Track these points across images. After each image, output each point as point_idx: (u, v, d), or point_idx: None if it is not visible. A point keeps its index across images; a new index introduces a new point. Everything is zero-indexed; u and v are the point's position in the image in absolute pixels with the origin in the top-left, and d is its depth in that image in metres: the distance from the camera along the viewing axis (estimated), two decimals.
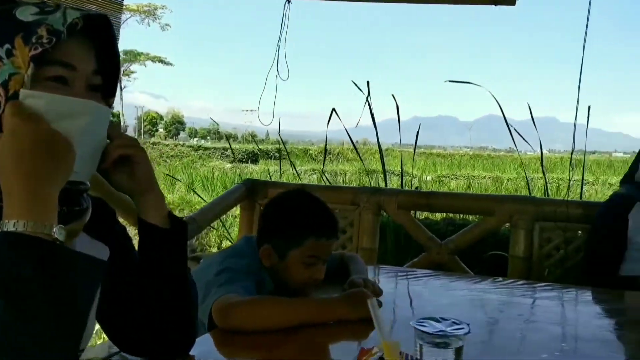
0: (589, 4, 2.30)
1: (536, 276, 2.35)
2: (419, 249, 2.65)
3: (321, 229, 1.29)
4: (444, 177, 10.41)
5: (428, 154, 22.20)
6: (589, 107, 2.88)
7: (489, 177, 10.13)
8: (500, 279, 1.71)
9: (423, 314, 1.24)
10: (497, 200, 2.47)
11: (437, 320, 0.82)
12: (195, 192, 6.55)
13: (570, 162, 3.18)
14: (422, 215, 3.44)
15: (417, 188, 3.73)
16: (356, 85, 3.14)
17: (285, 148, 4.89)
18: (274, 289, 1.33)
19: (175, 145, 21.80)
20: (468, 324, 0.80)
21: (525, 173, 3.91)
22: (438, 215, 3.51)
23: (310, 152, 18.61)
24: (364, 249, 2.62)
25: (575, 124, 2.72)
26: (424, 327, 0.80)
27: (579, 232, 2.32)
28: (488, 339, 1.09)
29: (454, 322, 0.81)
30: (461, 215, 3.38)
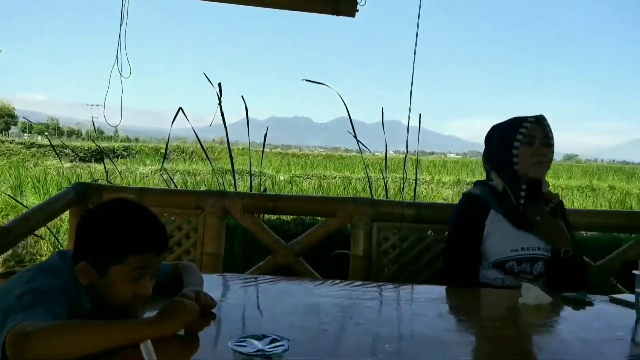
0: (418, 20, 2.50)
1: (375, 273, 2.48)
2: (267, 251, 2.64)
3: (146, 244, 1.18)
4: (298, 177, 10.66)
5: (284, 154, 22.60)
6: (420, 115, 3.15)
7: (339, 177, 10.61)
8: (339, 281, 1.75)
9: (257, 325, 1.22)
10: (339, 202, 2.54)
11: (258, 338, 0.78)
12: (15, 199, 5.79)
13: (404, 163, 3.42)
14: (274, 215, 3.44)
15: (264, 190, 3.72)
16: (208, 79, 3.02)
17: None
18: (92, 310, 1.20)
19: (2, 142, 19.26)
20: (289, 340, 0.78)
21: (368, 174, 4.14)
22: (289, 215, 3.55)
23: (162, 150, 17.78)
24: (209, 254, 2.53)
25: (408, 128, 2.96)
26: (242, 347, 0.75)
27: (412, 230, 2.48)
28: (316, 348, 1.09)
29: (274, 339, 0.78)
30: None
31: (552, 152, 1.91)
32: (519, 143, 1.87)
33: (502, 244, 1.88)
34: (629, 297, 1.54)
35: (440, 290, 1.75)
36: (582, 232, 3.30)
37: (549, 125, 1.90)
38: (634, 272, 1.45)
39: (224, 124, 3.24)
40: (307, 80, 3.52)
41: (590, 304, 1.57)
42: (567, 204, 8.45)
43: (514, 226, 1.88)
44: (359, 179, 10.17)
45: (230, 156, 3.37)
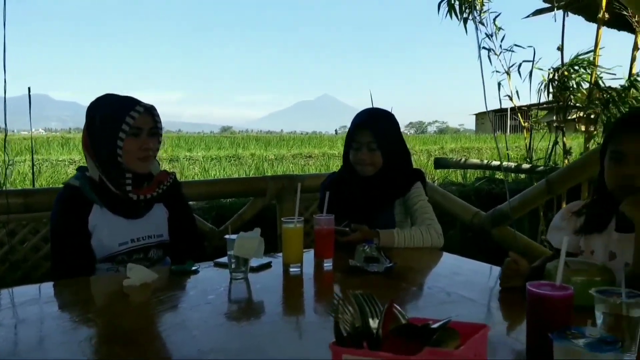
0: None
1: None
2: None
3: None
4: None
5: None
6: (29, 88, 2.76)
7: None
8: None
9: None
10: None
11: None
12: None
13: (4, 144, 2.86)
14: None
15: None
16: None
17: None
18: None
19: None
20: None
21: None
22: None
23: None
24: None
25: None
26: None
27: (23, 221, 2.17)
28: None
29: None
30: None
31: (160, 141, 1.85)
32: (124, 134, 1.71)
33: (109, 239, 1.76)
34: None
35: (46, 288, 1.56)
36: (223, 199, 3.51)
37: (158, 115, 1.81)
38: (225, 237, 1.59)
39: None
40: None
41: (196, 272, 1.66)
42: (216, 173, 9.11)
43: (122, 217, 1.79)
44: None
45: None
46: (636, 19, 3.64)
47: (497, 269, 1.69)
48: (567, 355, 0.76)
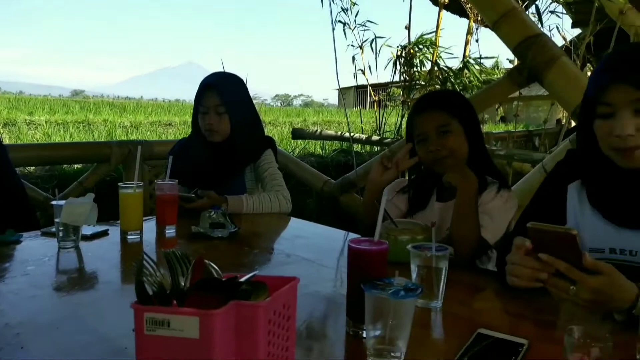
0: None
1: None
2: None
3: None
4: None
5: None
6: None
7: None
8: None
9: None
10: None
11: None
12: None
13: None
14: None
15: None
16: None
17: None
18: None
19: None
20: None
21: None
22: None
23: None
24: None
25: None
26: None
27: None
28: None
29: None
30: None
31: None
32: None
33: None
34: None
35: None
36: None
37: None
38: (52, 202, 1.46)
39: None
40: None
41: (18, 242, 1.51)
42: (61, 140, 8.30)
43: None
44: None
45: None
46: (469, 6, 4.01)
47: (339, 232, 1.79)
48: (375, 303, 0.82)
